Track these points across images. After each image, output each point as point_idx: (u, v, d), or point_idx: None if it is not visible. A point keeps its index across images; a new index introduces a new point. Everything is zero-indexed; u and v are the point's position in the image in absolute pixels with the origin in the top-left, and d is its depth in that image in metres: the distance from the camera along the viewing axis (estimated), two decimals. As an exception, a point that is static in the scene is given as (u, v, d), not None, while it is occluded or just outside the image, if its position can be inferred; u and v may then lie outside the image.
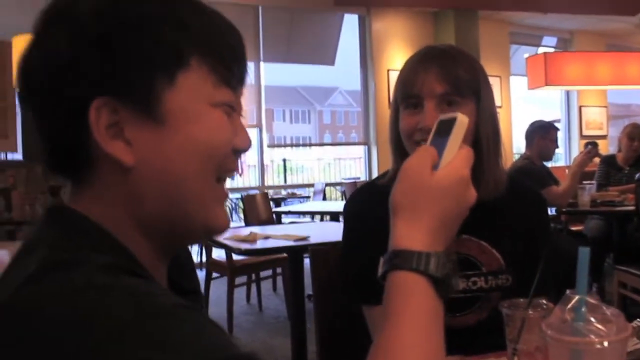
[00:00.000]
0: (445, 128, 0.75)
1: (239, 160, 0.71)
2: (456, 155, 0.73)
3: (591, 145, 4.13)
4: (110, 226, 0.63)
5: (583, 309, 0.72)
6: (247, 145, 0.70)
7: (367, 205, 1.37)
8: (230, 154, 0.68)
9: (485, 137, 1.26)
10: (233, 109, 0.68)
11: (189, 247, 0.87)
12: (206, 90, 0.65)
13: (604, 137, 9.62)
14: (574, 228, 4.72)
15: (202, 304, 0.78)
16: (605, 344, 0.69)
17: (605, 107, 9.85)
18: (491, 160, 1.28)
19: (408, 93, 1.26)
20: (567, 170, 5.36)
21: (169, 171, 0.63)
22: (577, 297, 0.73)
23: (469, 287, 1.30)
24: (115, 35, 0.61)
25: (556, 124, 4.44)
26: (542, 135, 4.12)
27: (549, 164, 4.47)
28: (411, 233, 0.70)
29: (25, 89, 0.64)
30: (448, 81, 1.22)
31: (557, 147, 4.24)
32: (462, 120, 0.75)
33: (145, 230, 0.65)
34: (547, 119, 4.39)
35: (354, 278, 1.33)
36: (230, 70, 0.67)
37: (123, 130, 0.62)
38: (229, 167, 0.69)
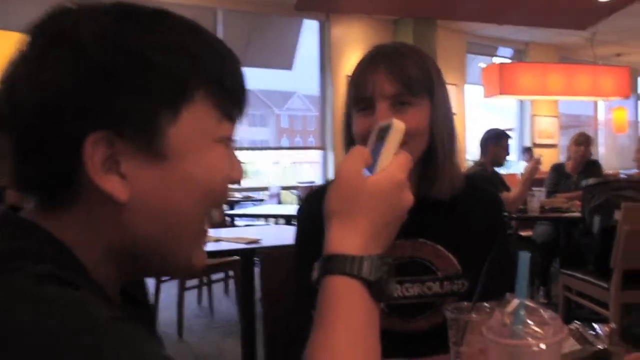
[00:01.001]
0: (383, 134, 0.76)
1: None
2: (392, 160, 0.73)
3: (525, 149, 4.35)
4: (75, 247, 0.59)
5: (522, 312, 0.73)
6: (241, 177, 0.69)
7: (320, 207, 1.36)
8: (226, 188, 0.67)
9: (439, 135, 1.23)
10: (231, 141, 0.66)
11: None
12: (210, 125, 0.62)
13: (554, 146, 9.89)
14: (523, 233, 4.83)
15: (152, 313, 0.75)
16: (542, 346, 0.70)
17: (556, 117, 10.13)
18: (446, 158, 1.25)
19: (359, 95, 1.23)
20: (518, 176, 5.51)
21: (164, 208, 0.60)
22: (516, 301, 0.74)
23: (424, 292, 1.27)
24: (118, 65, 0.56)
25: (510, 132, 4.58)
26: (495, 142, 4.28)
27: (501, 171, 4.59)
28: (345, 237, 0.69)
29: (9, 111, 0.58)
30: (399, 81, 1.19)
31: (508, 154, 4.40)
32: (398, 127, 0.75)
33: (116, 259, 0.62)
34: (502, 127, 4.58)
35: (305, 282, 1.32)
36: (234, 104, 0.65)
37: (119, 164, 0.58)
38: (223, 199, 0.67)
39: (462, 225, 1.30)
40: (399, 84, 1.20)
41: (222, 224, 5.32)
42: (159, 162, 0.59)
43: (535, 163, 4.10)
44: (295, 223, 1.41)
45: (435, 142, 1.23)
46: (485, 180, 4.01)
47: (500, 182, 4.23)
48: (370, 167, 0.72)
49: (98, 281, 0.60)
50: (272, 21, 7.84)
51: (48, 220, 0.60)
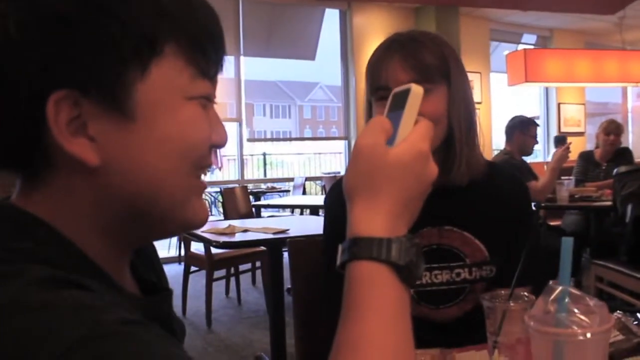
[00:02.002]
0: (400, 101, 0.70)
1: (216, 154, 0.66)
2: (413, 129, 0.67)
3: (559, 139, 4.19)
4: (61, 225, 0.57)
5: (566, 300, 0.71)
6: (224, 141, 0.65)
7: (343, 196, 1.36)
8: (208, 150, 0.63)
9: (457, 121, 1.23)
10: (209, 101, 0.63)
11: (154, 244, 0.81)
12: (182, 82, 0.59)
13: (581, 134, 9.74)
14: (552, 223, 4.76)
15: (171, 302, 0.71)
16: (588, 335, 0.68)
17: (583, 104, 9.96)
18: (464, 144, 1.24)
19: (376, 85, 1.24)
20: (545, 166, 5.42)
21: (141, 170, 0.57)
22: (560, 288, 0.72)
23: (453, 278, 1.28)
24: (78, 17, 0.53)
25: (535, 121, 4.48)
26: (521, 130, 4.16)
27: (528, 160, 4.50)
28: (369, 217, 0.63)
29: None
30: (413, 68, 1.19)
31: (536, 142, 4.28)
32: (416, 91, 0.68)
33: (107, 231, 0.60)
34: (527, 115, 4.43)
35: (334, 269, 1.32)
36: (209, 59, 0.61)
37: (86, 126, 0.55)
38: (206, 162, 0.63)
39: (488, 211, 1.31)
40: (413, 71, 1.20)
41: (248, 215, 5.36)
42: (129, 122, 0.56)
43: (564, 150, 3.99)
44: (323, 212, 1.42)
45: (452, 128, 1.23)
46: (512, 168, 3.87)
47: (527, 171, 4.14)
48: (389, 139, 0.67)
49: (102, 267, 0.58)
50: (293, 11, 7.82)
51: (34, 203, 0.58)
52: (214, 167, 9.87)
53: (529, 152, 4.28)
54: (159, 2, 0.57)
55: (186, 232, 0.70)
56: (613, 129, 4.71)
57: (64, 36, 0.53)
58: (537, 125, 4.37)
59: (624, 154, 4.80)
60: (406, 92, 0.69)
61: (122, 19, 0.54)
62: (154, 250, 0.79)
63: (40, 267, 0.50)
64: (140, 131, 0.56)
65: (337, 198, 1.36)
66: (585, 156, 4.89)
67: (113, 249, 0.61)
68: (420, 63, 1.19)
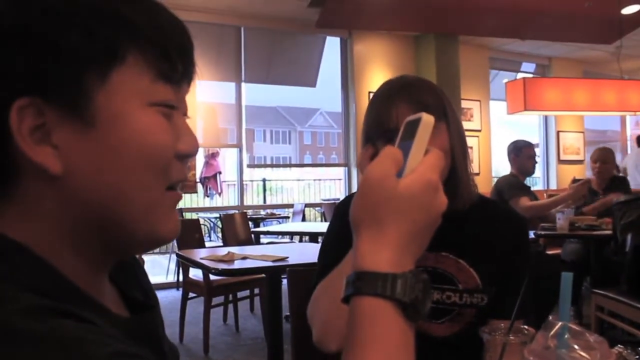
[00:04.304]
0: (411, 130, 0.68)
1: (185, 167, 0.63)
2: (422, 160, 0.65)
3: (576, 180, 4.33)
4: (34, 244, 0.56)
5: (566, 336, 0.70)
6: (192, 150, 0.63)
7: None
8: (174, 160, 0.61)
9: (458, 153, 1.33)
10: (173, 108, 0.61)
11: (142, 263, 0.78)
12: (142, 86, 0.58)
13: (580, 162, 9.76)
14: (551, 252, 4.75)
15: (159, 321, 0.70)
16: (589, 371, 0.67)
17: (582, 132, 10.00)
18: (463, 174, 1.34)
19: (384, 128, 1.29)
20: (545, 195, 5.45)
21: (101, 178, 0.56)
22: (560, 324, 0.72)
23: (443, 300, 1.34)
24: (35, 26, 0.53)
25: (528, 142, 4.59)
26: (516, 154, 4.44)
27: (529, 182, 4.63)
28: (375, 251, 0.61)
29: None
30: (419, 108, 1.23)
31: (535, 162, 4.50)
32: (427, 120, 0.67)
33: (77, 244, 0.58)
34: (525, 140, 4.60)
35: (325, 269, 1.34)
36: (171, 64, 0.59)
37: (50, 134, 0.55)
38: (175, 175, 0.61)
39: (484, 241, 1.37)
40: (420, 111, 1.24)
41: (247, 242, 5.34)
42: (89, 129, 0.55)
43: (584, 183, 4.08)
44: (333, 215, 1.49)
45: (455, 160, 1.32)
46: (512, 183, 4.30)
47: (520, 187, 4.35)
48: (400, 170, 0.65)
49: (82, 288, 0.57)
50: (295, 39, 7.90)
51: (6, 223, 0.57)
52: (214, 192, 9.88)
53: (529, 172, 4.49)
54: (119, 12, 0.57)
55: (158, 247, 0.68)
56: (597, 156, 4.73)
57: (23, 46, 0.53)
58: (531, 145, 4.53)
59: (621, 183, 4.81)
60: (417, 122, 0.68)
61: (82, 28, 0.55)
62: (139, 267, 0.77)
63: (24, 293, 0.49)
64: (99, 138, 0.56)
65: (347, 206, 1.39)
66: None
67: (89, 265, 0.60)
68: (424, 104, 1.27)
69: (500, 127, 9.84)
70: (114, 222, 0.59)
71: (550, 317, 0.73)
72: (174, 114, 0.62)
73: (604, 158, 4.71)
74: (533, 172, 4.57)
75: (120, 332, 0.52)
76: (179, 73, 0.61)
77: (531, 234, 4.20)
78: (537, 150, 5.31)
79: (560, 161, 9.57)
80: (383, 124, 1.29)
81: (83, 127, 0.55)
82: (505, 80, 8.58)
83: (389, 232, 0.62)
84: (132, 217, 0.59)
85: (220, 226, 6.69)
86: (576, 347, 0.69)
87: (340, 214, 1.44)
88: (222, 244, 5.96)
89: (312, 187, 13.81)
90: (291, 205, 8.22)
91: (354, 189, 7.76)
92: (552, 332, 0.71)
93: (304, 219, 7.73)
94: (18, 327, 0.45)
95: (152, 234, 0.61)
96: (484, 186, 7.04)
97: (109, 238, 0.60)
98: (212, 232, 9.93)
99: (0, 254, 0.54)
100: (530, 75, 9.73)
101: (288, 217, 7.85)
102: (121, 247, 0.62)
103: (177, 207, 0.67)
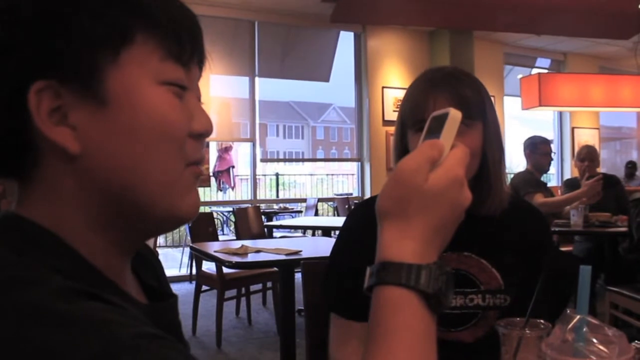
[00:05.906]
0: (438, 125, 0.68)
1: (202, 147, 0.64)
2: (450, 154, 0.65)
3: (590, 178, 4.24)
4: (58, 227, 0.57)
5: (584, 329, 0.70)
6: (206, 129, 0.64)
7: (366, 219, 1.36)
8: (188, 139, 0.62)
9: (491, 157, 1.28)
10: (184, 89, 0.62)
11: (155, 252, 0.79)
12: (152, 64, 0.59)
13: (596, 158, 9.67)
14: (563, 249, 4.70)
15: (176, 309, 0.71)
16: (607, 365, 0.67)
17: (597, 128, 9.92)
18: (497, 179, 1.30)
19: (418, 117, 1.25)
20: (559, 191, 5.39)
21: (119, 157, 0.58)
22: (578, 317, 0.71)
23: (466, 303, 1.29)
24: (51, 13, 0.56)
25: (544, 138, 4.54)
26: (531, 150, 4.39)
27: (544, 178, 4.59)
28: (401, 242, 0.62)
29: None
30: (458, 104, 1.21)
31: (550, 159, 4.46)
32: (455, 115, 0.68)
33: (100, 226, 0.60)
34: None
35: (332, 286, 1.33)
36: (180, 44, 0.61)
37: (67, 115, 0.56)
38: (191, 154, 0.62)
39: (507, 242, 1.33)
40: (458, 107, 1.21)
41: (260, 235, 5.36)
42: (103, 108, 0.57)
43: (598, 180, 4.01)
44: (338, 232, 1.43)
45: (487, 164, 1.28)
46: (527, 179, 4.26)
47: (542, 186, 4.31)
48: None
49: (106, 274, 0.58)
50: (308, 33, 7.89)
51: (25, 204, 0.59)
52: (227, 186, 9.90)
53: (544, 169, 4.46)
54: None
55: (176, 227, 0.68)
56: (584, 154, 4.62)
57: (41, 31, 0.55)
58: (547, 142, 4.47)
59: (616, 185, 4.67)
60: (444, 117, 0.68)
61: (92, 11, 0.56)
62: (156, 259, 0.79)
63: (56, 275, 0.50)
64: (113, 117, 0.57)
65: (359, 221, 1.36)
66: (570, 183, 4.74)
67: (112, 247, 0.61)
68: (463, 99, 1.23)
69: (514, 123, 9.77)
70: (134, 201, 0.59)
71: (568, 311, 0.73)
72: (186, 94, 0.63)
73: (591, 157, 4.62)
74: (548, 169, 4.53)
75: (144, 317, 0.53)
76: (187, 53, 0.62)
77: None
78: (552, 146, 5.22)
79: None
80: (419, 113, 1.25)
81: (98, 107, 0.57)
82: (520, 76, 8.53)
83: (415, 226, 0.63)
84: (151, 194, 0.60)
85: (234, 220, 6.71)
86: (595, 340, 0.69)
87: (346, 228, 1.41)
88: (235, 238, 5.98)
89: (324, 182, 13.81)
90: (304, 200, 8.24)
91: (367, 183, 7.75)
92: (570, 326, 0.71)
93: (316, 214, 7.74)
94: (51, 309, 0.46)
95: (171, 211, 0.62)
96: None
97: (129, 218, 0.61)
98: (225, 225, 9.96)
99: (32, 238, 0.56)
100: (545, 71, 9.65)
101: (301, 212, 7.86)
102: (142, 227, 0.63)
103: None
